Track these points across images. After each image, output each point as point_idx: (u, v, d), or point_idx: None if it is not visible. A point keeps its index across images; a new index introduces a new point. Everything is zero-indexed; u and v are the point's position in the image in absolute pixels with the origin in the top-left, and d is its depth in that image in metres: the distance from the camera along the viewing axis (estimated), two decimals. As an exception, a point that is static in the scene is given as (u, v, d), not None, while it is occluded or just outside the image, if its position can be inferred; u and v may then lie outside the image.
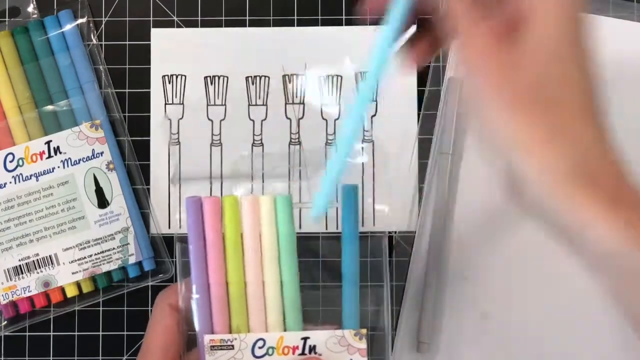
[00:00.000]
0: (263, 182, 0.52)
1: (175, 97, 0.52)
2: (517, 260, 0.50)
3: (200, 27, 0.52)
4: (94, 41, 0.52)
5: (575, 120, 0.33)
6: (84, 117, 0.51)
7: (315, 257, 0.51)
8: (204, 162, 0.51)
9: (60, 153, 0.50)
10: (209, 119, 0.52)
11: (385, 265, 0.45)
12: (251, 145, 0.51)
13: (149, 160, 0.52)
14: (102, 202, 0.51)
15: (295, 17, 0.52)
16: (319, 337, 0.42)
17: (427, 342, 0.49)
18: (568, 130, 0.33)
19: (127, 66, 0.52)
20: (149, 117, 0.52)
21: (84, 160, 0.51)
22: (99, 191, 0.51)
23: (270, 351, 0.42)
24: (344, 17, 0.52)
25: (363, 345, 0.43)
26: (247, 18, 0.52)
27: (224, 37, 0.52)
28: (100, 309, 0.51)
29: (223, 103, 0.52)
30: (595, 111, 0.34)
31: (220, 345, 0.42)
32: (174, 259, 0.51)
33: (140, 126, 0.52)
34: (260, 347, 0.42)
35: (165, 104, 0.52)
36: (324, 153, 0.52)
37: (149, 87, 0.52)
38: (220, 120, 0.52)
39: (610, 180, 0.33)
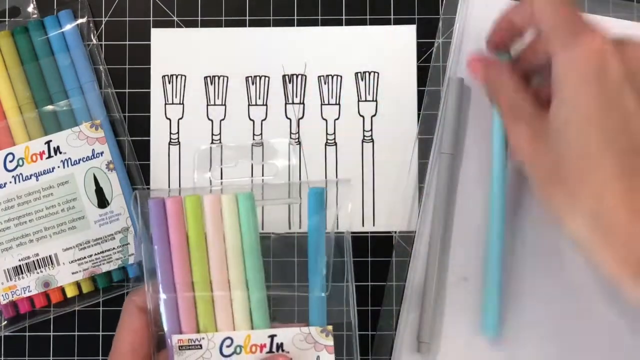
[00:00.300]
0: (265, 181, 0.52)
1: (175, 97, 0.52)
2: (517, 260, 0.50)
3: (200, 27, 0.52)
4: (94, 41, 0.52)
5: (617, 206, 0.37)
6: (84, 117, 0.51)
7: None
8: (204, 162, 0.51)
9: (60, 153, 0.50)
10: (208, 119, 0.52)
11: (348, 264, 0.45)
12: (251, 145, 0.52)
13: (149, 160, 0.52)
14: (102, 202, 0.51)
15: (295, 17, 0.52)
16: (286, 334, 0.43)
17: (427, 342, 0.49)
18: (613, 223, 0.37)
19: (127, 66, 0.52)
20: (149, 117, 0.52)
21: (84, 160, 0.51)
22: (99, 191, 0.51)
23: (238, 350, 0.42)
24: (344, 17, 0.52)
25: (330, 342, 0.43)
26: (247, 18, 0.52)
27: (224, 37, 0.52)
28: (100, 309, 0.51)
29: (223, 103, 0.52)
30: (631, 181, 0.37)
31: (189, 345, 0.42)
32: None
33: (140, 126, 0.52)
34: (227, 346, 0.42)
35: (165, 104, 0.52)
36: (323, 153, 0.52)
37: (149, 87, 0.52)
38: (220, 120, 0.52)
39: None
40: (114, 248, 0.51)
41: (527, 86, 0.44)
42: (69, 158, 0.50)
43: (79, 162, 0.50)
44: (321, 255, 0.43)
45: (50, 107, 0.50)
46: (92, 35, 0.52)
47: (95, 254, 0.50)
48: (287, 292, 0.47)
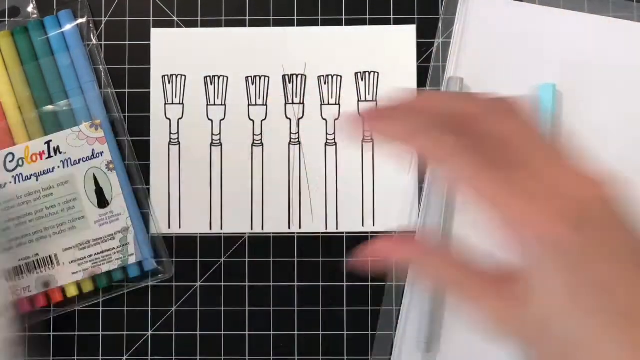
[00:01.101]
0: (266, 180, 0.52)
1: (175, 97, 0.52)
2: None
3: (200, 27, 0.52)
4: (94, 41, 0.52)
5: None
6: (84, 117, 0.51)
7: (314, 257, 0.51)
8: (204, 162, 0.51)
9: (60, 153, 0.50)
10: (208, 119, 0.52)
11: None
12: (251, 145, 0.52)
13: (149, 160, 0.52)
14: (102, 202, 0.51)
15: (295, 17, 0.52)
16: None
17: (426, 342, 0.49)
18: None
19: (127, 66, 0.52)
20: (149, 117, 0.52)
21: (84, 160, 0.51)
22: (99, 191, 0.51)
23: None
24: (343, 17, 0.52)
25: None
26: (247, 18, 0.52)
27: (224, 37, 0.52)
28: (100, 309, 0.51)
29: (223, 103, 0.52)
30: None
31: None
32: (174, 259, 0.51)
33: (140, 126, 0.52)
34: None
35: (165, 104, 0.52)
36: (323, 153, 0.52)
37: (149, 87, 0.52)
38: (220, 120, 0.52)
39: None
40: (113, 248, 0.51)
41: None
42: (69, 158, 0.50)
43: (79, 162, 0.50)
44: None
45: (50, 107, 0.50)
46: (92, 35, 0.52)
47: (95, 254, 0.50)
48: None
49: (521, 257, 0.33)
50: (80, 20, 0.52)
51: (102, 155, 0.51)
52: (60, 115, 0.51)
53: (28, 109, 0.50)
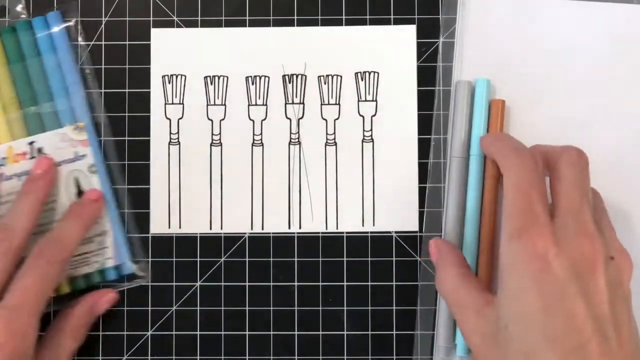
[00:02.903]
0: (263, 182, 0.52)
1: (175, 97, 0.52)
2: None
3: (200, 27, 0.52)
4: (81, 42, 0.52)
5: None
6: (68, 119, 0.51)
7: (314, 257, 0.51)
8: (204, 162, 0.51)
9: (42, 154, 0.50)
10: (208, 119, 0.52)
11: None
12: (251, 145, 0.52)
13: (149, 160, 0.52)
14: None
15: (295, 17, 0.52)
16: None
17: (447, 346, 0.49)
18: None
19: (127, 66, 0.52)
20: (149, 117, 0.52)
21: (67, 162, 0.50)
22: (80, 194, 0.50)
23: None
24: (344, 17, 0.52)
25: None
26: (247, 18, 0.52)
27: (224, 37, 0.52)
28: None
29: (223, 103, 0.52)
30: None
31: None
32: (149, 259, 0.51)
33: (140, 126, 0.52)
34: None
35: (165, 103, 0.52)
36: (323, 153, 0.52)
37: (149, 87, 0.52)
38: (220, 120, 0.52)
39: None
40: (92, 251, 0.50)
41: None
42: (52, 160, 0.50)
43: (61, 164, 0.50)
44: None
45: (34, 108, 0.50)
46: (79, 37, 0.52)
47: (74, 257, 0.50)
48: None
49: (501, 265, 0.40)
50: (68, 23, 0.51)
51: (84, 158, 0.50)
52: (44, 117, 0.50)
53: (12, 109, 0.50)
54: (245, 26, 0.52)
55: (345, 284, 0.51)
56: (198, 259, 0.51)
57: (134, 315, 0.51)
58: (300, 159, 0.51)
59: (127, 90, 0.52)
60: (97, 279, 0.51)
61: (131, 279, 0.51)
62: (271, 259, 0.51)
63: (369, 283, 0.51)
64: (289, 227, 0.51)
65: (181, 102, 0.52)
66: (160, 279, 0.51)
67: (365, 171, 0.51)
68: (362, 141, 0.51)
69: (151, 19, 0.52)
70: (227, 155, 0.51)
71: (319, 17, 0.52)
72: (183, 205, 0.51)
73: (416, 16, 0.52)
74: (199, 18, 0.52)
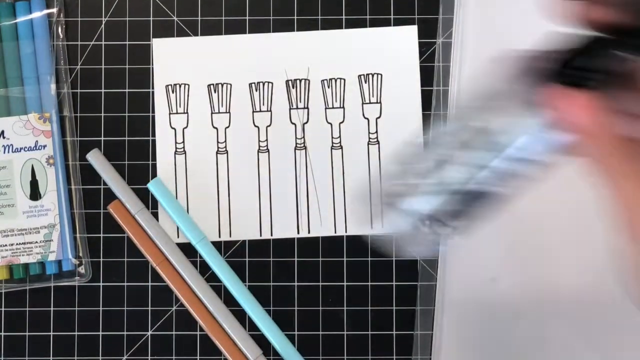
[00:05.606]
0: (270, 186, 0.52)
1: (179, 106, 0.51)
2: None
3: (200, 27, 0.52)
4: (61, 36, 0.51)
5: None
6: (35, 107, 0.50)
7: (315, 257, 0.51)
8: (210, 170, 0.51)
9: (3, 138, 0.50)
10: (213, 127, 0.51)
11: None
12: (257, 151, 0.51)
13: (148, 160, 0.51)
14: (35, 195, 0.50)
15: (295, 17, 0.52)
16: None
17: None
18: None
19: (127, 66, 0.52)
20: (148, 117, 0.51)
21: (26, 149, 0.50)
22: (34, 183, 0.50)
23: None
24: (344, 16, 0.52)
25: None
26: (247, 18, 0.52)
27: (226, 45, 0.52)
28: (2, 300, 0.51)
29: (227, 110, 0.52)
30: None
31: None
32: (89, 259, 0.51)
33: (140, 126, 0.51)
34: None
35: (170, 113, 0.51)
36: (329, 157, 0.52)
37: (149, 87, 0.52)
38: (225, 128, 0.51)
39: None
40: (36, 242, 0.50)
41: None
42: (11, 145, 0.50)
43: (20, 151, 0.50)
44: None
45: (3, 91, 0.50)
46: (59, 30, 0.51)
47: (17, 244, 0.50)
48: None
49: None
50: (50, 10, 0.51)
51: (44, 148, 0.50)
52: (11, 101, 0.50)
53: (-19, 89, 0.50)
54: (245, 25, 0.52)
55: (345, 284, 0.51)
56: (197, 259, 0.51)
57: (134, 315, 0.51)
58: (307, 163, 0.51)
59: (127, 90, 0.52)
60: (35, 270, 0.51)
61: (71, 276, 0.51)
62: (271, 259, 0.51)
63: (369, 283, 0.51)
64: (298, 232, 0.51)
65: (185, 111, 0.51)
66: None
67: (371, 174, 0.51)
68: (368, 143, 0.52)
69: (151, 19, 0.52)
70: (234, 162, 0.51)
71: (319, 17, 0.52)
72: (191, 214, 0.51)
73: (416, 16, 0.52)
74: (199, 18, 0.52)
